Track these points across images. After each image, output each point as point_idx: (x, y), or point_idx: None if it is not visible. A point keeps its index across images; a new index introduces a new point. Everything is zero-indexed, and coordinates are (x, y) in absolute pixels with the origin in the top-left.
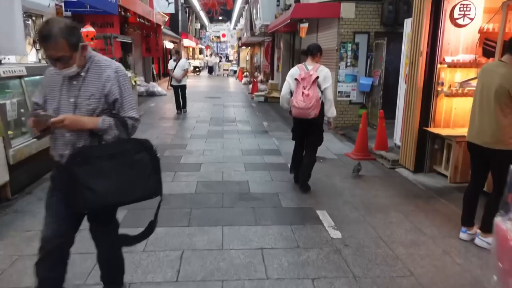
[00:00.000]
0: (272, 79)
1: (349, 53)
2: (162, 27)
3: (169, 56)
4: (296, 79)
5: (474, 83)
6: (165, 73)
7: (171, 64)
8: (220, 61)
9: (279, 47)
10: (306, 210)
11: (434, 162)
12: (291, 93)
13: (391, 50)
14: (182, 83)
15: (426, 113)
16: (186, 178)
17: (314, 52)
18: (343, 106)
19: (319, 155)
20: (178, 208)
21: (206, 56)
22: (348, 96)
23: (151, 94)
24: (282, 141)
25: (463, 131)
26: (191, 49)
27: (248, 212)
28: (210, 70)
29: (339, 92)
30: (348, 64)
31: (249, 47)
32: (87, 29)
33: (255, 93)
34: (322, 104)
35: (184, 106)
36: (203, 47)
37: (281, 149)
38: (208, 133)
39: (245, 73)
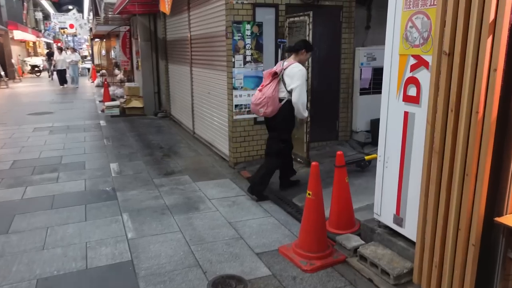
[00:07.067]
0: (133, 80)
1: (248, 41)
2: None
3: None
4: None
5: None
6: None
7: None
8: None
9: (136, 37)
10: None
11: (505, 285)
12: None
13: (318, 32)
14: None
15: (498, 180)
16: None
17: (296, 47)
18: (244, 128)
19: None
20: None
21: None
22: (251, 111)
23: None
24: (143, 221)
25: None
26: (31, 44)
27: None
28: (62, 77)
29: (236, 106)
30: (248, 58)
31: (104, 40)
32: None
33: (106, 104)
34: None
35: None
36: (49, 41)
37: (140, 261)
38: None
39: (101, 72)
